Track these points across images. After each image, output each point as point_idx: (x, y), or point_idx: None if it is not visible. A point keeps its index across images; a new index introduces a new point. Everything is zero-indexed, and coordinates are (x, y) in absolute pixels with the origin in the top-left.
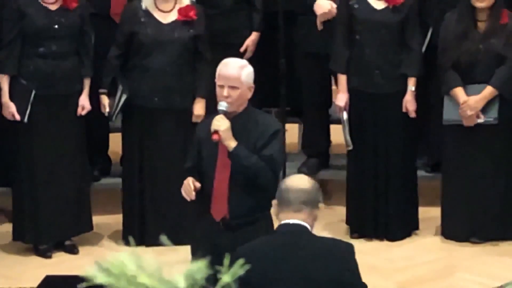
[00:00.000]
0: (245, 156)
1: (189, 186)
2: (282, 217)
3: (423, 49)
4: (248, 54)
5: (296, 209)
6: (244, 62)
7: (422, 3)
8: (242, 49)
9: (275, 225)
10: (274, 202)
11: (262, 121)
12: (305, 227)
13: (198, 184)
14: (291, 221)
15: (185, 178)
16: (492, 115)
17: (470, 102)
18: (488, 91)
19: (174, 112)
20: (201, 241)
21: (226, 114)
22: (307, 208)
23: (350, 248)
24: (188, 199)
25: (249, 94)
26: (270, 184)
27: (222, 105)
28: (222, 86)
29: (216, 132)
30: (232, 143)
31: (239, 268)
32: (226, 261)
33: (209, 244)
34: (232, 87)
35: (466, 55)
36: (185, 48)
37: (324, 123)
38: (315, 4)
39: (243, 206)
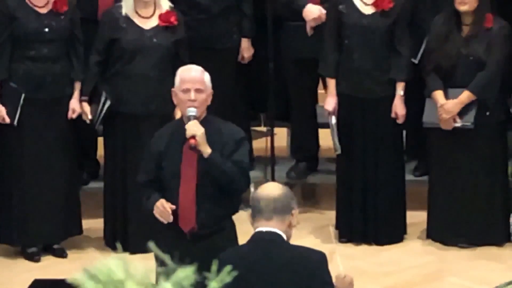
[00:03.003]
0: (221, 162)
1: (165, 210)
2: (255, 226)
3: (419, 55)
4: (246, 61)
5: (267, 217)
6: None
7: (416, 8)
8: (239, 59)
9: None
10: (248, 212)
11: (225, 130)
12: (278, 235)
13: (172, 206)
14: (265, 229)
15: (142, 193)
16: (469, 120)
17: (446, 106)
18: (465, 95)
19: (156, 117)
20: (168, 252)
21: (195, 119)
22: (278, 215)
23: (322, 257)
24: (166, 222)
25: (209, 100)
26: (243, 189)
27: (192, 111)
28: (187, 90)
29: (193, 137)
30: (208, 149)
31: (227, 275)
32: (214, 267)
33: (177, 254)
34: (198, 90)
35: (447, 59)
36: (166, 54)
37: (312, 128)
38: (305, 10)
39: (211, 215)
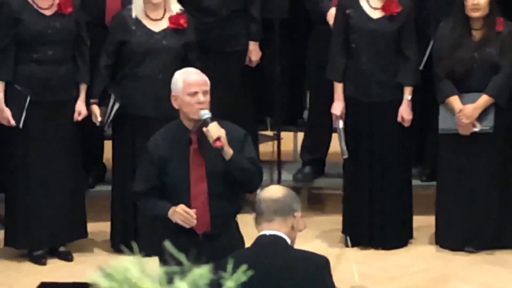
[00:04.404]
0: (242, 160)
1: (189, 215)
2: (259, 228)
3: (424, 60)
4: (254, 64)
5: (268, 219)
6: None
7: (420, 14)
8: (246, 62)
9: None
10: (253, 216)
11: (227, 129)
12: (282, 238)
13: (194, 210)
14: (268, 232)
15: (143, 202)
16: (488, 124)
17: (466, 111)
18: (484, 99)
19: (166, 119)
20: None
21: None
22: (279, 217)
23: (324, 262)
24: (188, 227)
25: None
26: (259, 185)
27: (207, 113)
28: (195, 93)
29: (218, 139)
30: (230, 149)
31: (242, 274)
32: (230, 266)
33: (192, 254)
34: (205, 92)
35: (460, 64)
36: (176, 56)
37: (328, 130)
38: (328, 14)
39: (222, 215)
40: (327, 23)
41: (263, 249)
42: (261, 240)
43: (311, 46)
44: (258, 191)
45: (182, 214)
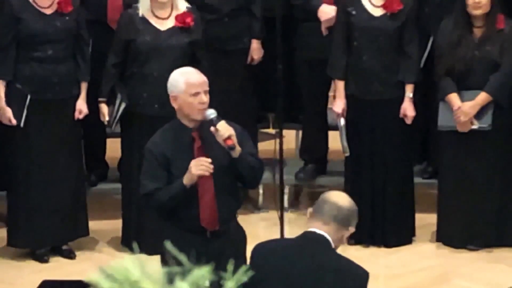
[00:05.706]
0: (249, 158)
1: (205, 161)
2: (310, 225)
3: (424, 57)
4: (256, 62)
5: (325, 221)
6: None
7: (421, 10)
8: (249, 61)
9: None
10: (309, 210)
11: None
12: (328, 240)
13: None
14: (318, 231)
15: (158, 197)
16: (486, 122)
17: (464, 108)
18: (482, 97)
19: (172, 118)
20: (184, 251)
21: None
22: (336, 224)
23: (365, 275)
24: (208, 174)
25: None
26: (260, 181)
27: (213, 113)
28: (197, 94)
29: (229, 137)
30: (239, 147)
31: (243, 275)
32: (230, 267)
33: (193, 253)
34: (206, 92)
35: (461, 62)
36: (183, 55)
37: (323, 128)
38: (319, 10)
39: (229, 210)
40: (314, 20)
41: (309, 244)
42: (309, 235)
43: (298, 45)
44: (260, 191)
45: (197, 164)
